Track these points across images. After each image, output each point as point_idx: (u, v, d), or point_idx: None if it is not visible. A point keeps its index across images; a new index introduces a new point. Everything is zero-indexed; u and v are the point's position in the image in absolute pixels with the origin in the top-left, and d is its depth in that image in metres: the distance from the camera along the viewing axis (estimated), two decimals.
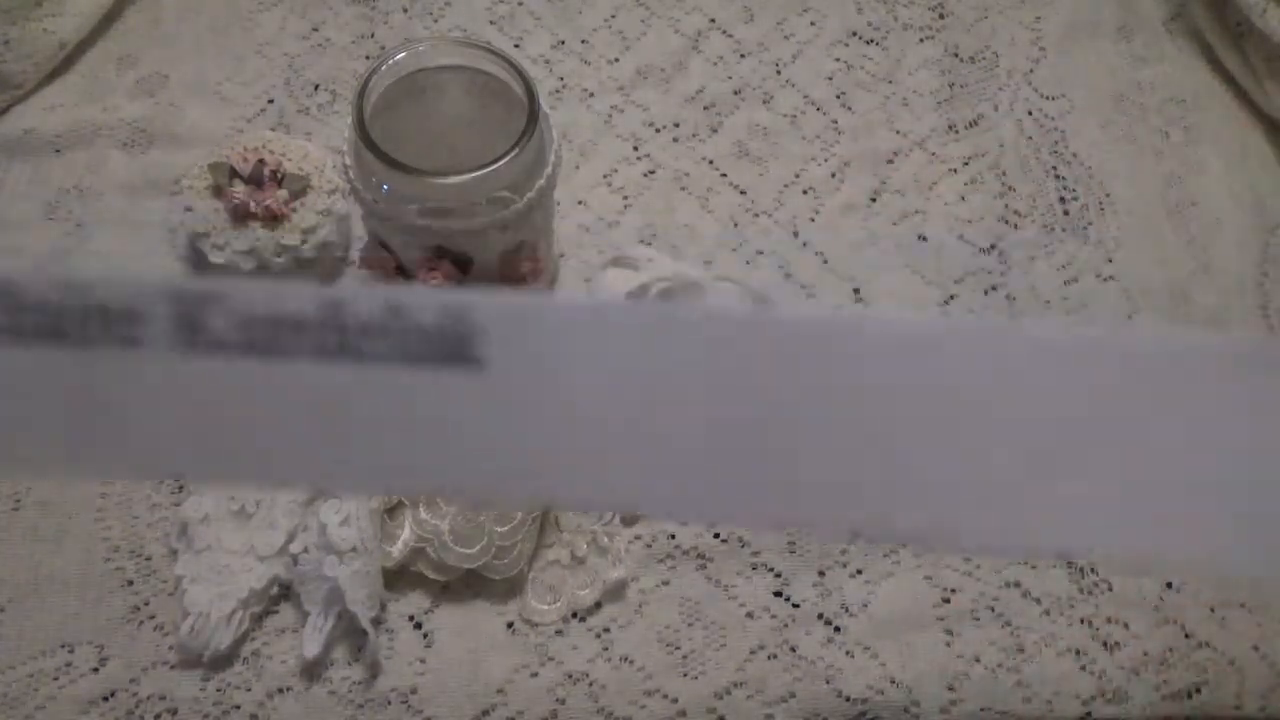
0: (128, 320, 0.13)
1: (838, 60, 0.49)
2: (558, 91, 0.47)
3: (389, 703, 0.35)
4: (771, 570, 0.38)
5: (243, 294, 0.13)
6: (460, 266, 0.36)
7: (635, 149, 0.46)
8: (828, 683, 0.36)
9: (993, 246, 0.45)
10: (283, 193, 0.39)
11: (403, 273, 0.37)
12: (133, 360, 0.13)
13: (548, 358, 0.13)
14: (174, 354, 0.13)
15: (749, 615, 0.37)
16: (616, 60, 0.48)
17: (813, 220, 0.45)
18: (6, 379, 0.13)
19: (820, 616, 0.37)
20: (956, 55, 0.49)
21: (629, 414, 0.13)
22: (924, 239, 0.45)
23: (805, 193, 0.45)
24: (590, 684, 0.36)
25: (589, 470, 0.13)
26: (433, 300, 0.13)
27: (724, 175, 0.45)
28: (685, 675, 0.36)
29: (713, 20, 0.50)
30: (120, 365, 0.13)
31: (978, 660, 0.37)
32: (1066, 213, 0.46)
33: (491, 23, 0.49)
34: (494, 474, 0.13)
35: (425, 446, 0.13)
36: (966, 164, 0.46)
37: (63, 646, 0.35)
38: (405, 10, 0.49)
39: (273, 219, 0.38)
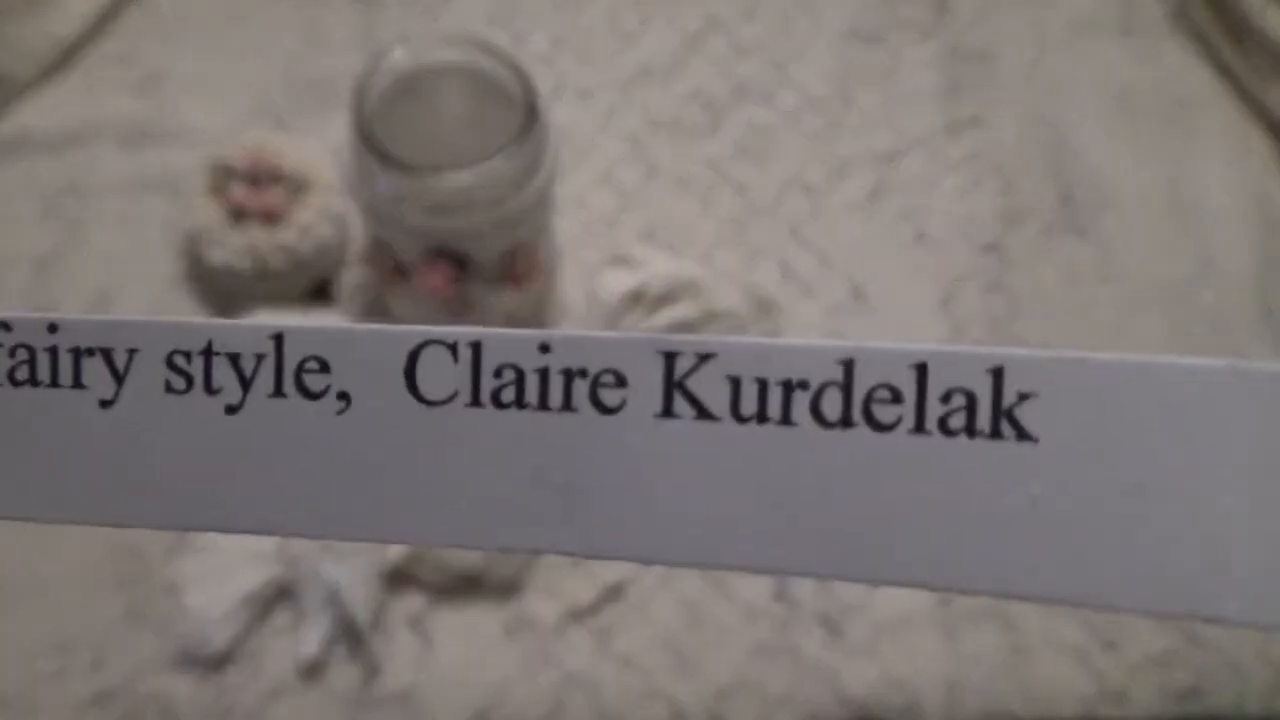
0: (612, 384, 0.12)
1: (838, 59, 0.49)
2: (557, 90, 0.47)
3: (388, 703, 0.35)
4: None
5: (734, 353, 0.12)
6: (459, 266, 0.35)
7: (635, 148, 0.46)
8: (828, 683, 0.36)
9: (993, 246, 0.44)
10: (281, 192, 0.39)
11: (401, 273, 0.37)
12: (613, 428, 0.12)
13: (1113, 429, 0.11)
14: (659, 420, 0.12)
15: (749, 615, 0.37)
16: (616, 58, 0.48)
17: (813, 220, 0.45)
18: (469, 450, 0.12)
19: (820, 616, 0.37)
20: (957, 54, 0.49)
21: (1230, 503, 0.11)
22: (924, 239, 0.45)
23: (805, 192, 0.45)
24: (590, 685, 0.36)
25: (1179, 573, 0.11)
26: (964, 359, 0.11)
27: (724, 175, 0.45)
28: (685, 675, 0.36)
29: (713, 18, 0.49)
30: (599, 433, 0.12)
31: (978, 660, 0.37)
32: (1067, 213, 0.46)
33: (491, 21, 0.49)
34: (1053, 575, 0.11)
35: (959, 535, 0.11)
36: (966, 164, 0.46)
37: (61, 646, 0.35)
38: (404, 8, 0.49)
39: (271, 218, 0.38)
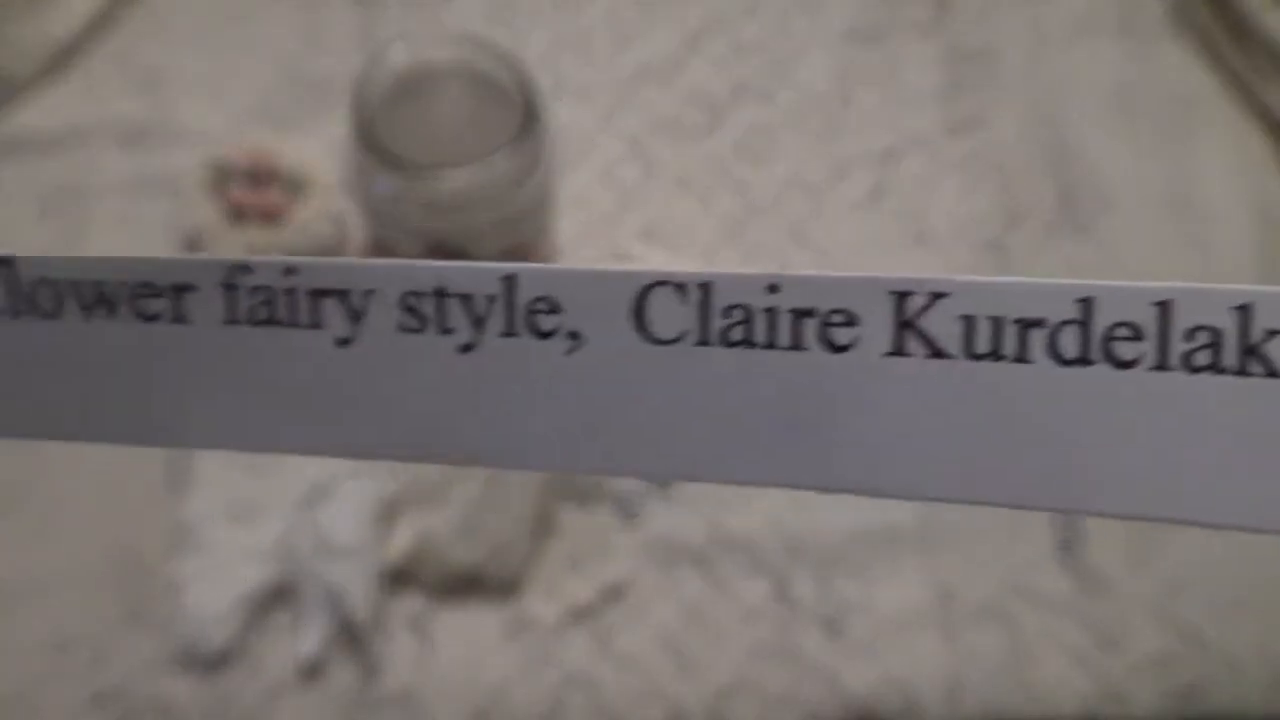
0: (842, 322, 0.12)
1: (838, 58, 0.49)
2: (557, 90, 0.47)
3: (387, 704, 0.35)
4: (772, 570, 0.38)
5: (968, 292, 0.12)
6: None
7: (635, 148, 0.46)
8: (828, 683, 0.36)
9: (993, 246, 0.44)
10: (280, 191, 0.39)
11: None
12: (843, 366, 0.12)
13: None
14: (890, 358, 0.12)
15: (749, 615, 0.37)
16: (616, 58, 0.48)
17: (813, 220, 0.45)
18: (699, 387, 0.13)
19: (820, 616, 0.37)
20: (958, 53, 0.49)
21: None
22: (924, 239, 0.45)
23: (805, 192, 0.45)
24: (590, 685, 0.36)
25: None
26: (1209, 296, 0.11)
27: (724, 175, 0.45)
28: (685, 675, 0.36)
29: (713, 18, 0.49)
30: (829, 371, 0.12)
31: (978, 660, 0.37)
32: (1067, 213, 0.46)
33: (491, 21, 0.49)
34: None
35: (1209, 470, 0.12)
36: (966, 164, 0.46)
37: (61, 646, 0.35)
38: (404, 8, 0.49)
39: (270, 218, 0.38)
